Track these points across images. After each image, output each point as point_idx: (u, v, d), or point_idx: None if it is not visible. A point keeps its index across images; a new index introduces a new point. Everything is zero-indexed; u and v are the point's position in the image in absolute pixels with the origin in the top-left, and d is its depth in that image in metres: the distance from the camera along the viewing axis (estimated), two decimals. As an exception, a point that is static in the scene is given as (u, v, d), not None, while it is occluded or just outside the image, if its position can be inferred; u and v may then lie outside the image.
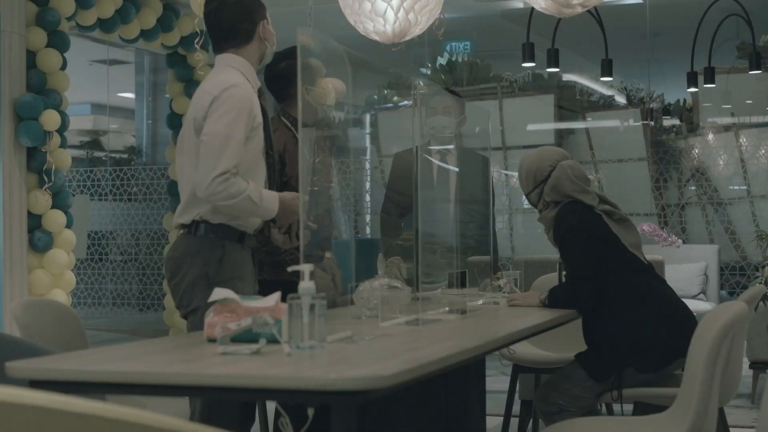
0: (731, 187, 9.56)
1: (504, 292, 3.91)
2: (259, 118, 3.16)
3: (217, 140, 2.99)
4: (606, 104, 10.45)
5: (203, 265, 3.07)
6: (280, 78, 3.79)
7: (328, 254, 3.58)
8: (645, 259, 3.68)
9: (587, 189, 3.72)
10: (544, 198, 3.77)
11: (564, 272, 3.82)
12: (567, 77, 10.57)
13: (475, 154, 4.70)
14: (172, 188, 7.58)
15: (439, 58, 10.84)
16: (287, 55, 3.71)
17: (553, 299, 3.61)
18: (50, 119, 5.79)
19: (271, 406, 3.32)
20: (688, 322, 3.49)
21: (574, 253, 3.60)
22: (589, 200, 3.67)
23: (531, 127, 10.51)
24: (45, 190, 5.87)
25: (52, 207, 5.96)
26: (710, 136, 9.84)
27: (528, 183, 3.82)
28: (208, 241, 3.08)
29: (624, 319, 3.48)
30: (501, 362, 5.23)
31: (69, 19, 6.13)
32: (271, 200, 3.11)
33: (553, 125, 10.33)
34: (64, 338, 3.04)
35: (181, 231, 3.17)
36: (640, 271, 3.61)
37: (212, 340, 2.39)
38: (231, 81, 3.10)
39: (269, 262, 3.60)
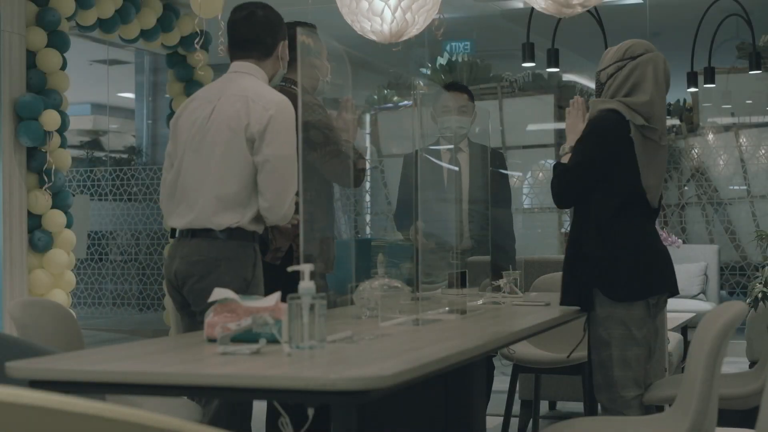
0: (731, 187, 9.56)
1: (504, 293, 3.91)
2: None
3: (289, 164, 3.09)
4: (606, 104, 10.44)
5: (242, 268, 3.13)
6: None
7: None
8: (656, 202, 3.52)
9: (654, 96, 3.50)
10: (615, 77, 3.51)
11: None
12: (567, 77, 10.58)
13: (494, 152, 4.68)
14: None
15: (439, 58, 10.84)
16: (293, 24, 3.72)
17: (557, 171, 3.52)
18: (50, 119, 5.80)
19: (262, 407, 3.32)
20: (666, 264, 3.49)
21: (584, 151, 3.44)
22: (634, 114, 3.44)
23: (531, 127, 10.52)
24: (45, 190, 5.88)
25: (52, 207, 5.96)
26: (710, 136, 9.84)
27: (615, 54, 3.54)
28: (244, 247, 3.14)
29: (602, 243, 3.42)
30: (501, 362, 5.23)
31: (69, 19, 6.14)
32: None
33: (553, 125, 10.33)
34: (60, 338, 3.04)
35: (192, 232, 3.16)
36: (639, 214, 3.48)
37: (212, 340, 2.39)
38: (280, 98, 3.17)
39: None
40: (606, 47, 7.70)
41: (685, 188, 9.64)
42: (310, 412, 2.04)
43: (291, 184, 3.11)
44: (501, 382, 4.80)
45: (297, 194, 3.28)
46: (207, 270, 3.12)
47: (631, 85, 3.47)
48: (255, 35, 3.29)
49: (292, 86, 3.63)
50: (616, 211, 3.43)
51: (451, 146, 4.56)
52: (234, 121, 3.11)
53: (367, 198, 10.50)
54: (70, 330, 3.15)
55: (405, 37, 4.32)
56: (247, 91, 3.15)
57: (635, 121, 3.42)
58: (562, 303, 3.54)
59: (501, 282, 3.95)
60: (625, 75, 3.48)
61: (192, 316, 3.17)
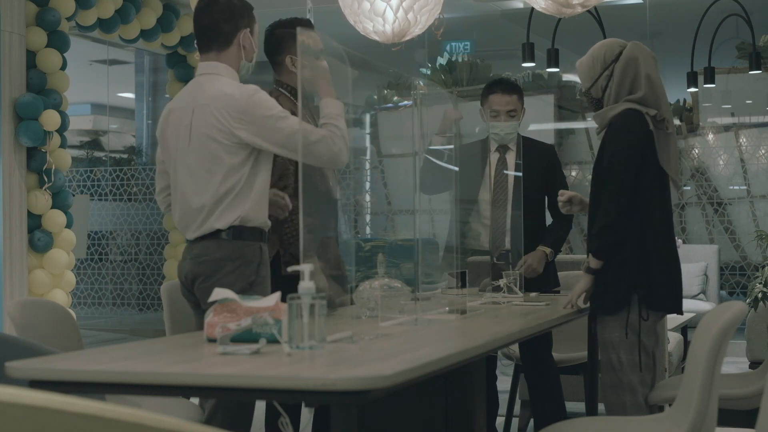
0: (731, 187, 9.56)
1: (504, 293, 3.91)
2: None
3: (295, 131, 3.02)
4: (606, 104, 10.44)
5: (246, 268, 3.11)
6: (271, 43, 3.75)
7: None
8: (678, 189, 3.54)
9: (657, 77, 3.47)
10: (609, 87, 3.47)
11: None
12: (567, 77, 10.57)
13: (545, 147, 4.63)
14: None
15: (439, 58, 10.84)
16: (284, 24, 3.71)
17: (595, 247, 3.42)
18: (50, 119, 5.80)
19: (260, 408, 3.32)
20: (679, 279, 3.48)
21: (611, 187, 3.36)
22: (647, 108, 3.42)
23: (531, 127, 10.50)
24: (45, 190, 5.87)
25: (52, 207, 5.96)
26: (710, 136, 9.84)
27: (594, 67, 3.51)
28: (249, 246, 3.12)
29: (640, 252, 3.38)
30: (501, 362, 5.23)
31: (69, 19, 6.14)
32: (335, 103, 3.21)
33: (553, 125, 10.33)
34: (59, 338, 3.05)
35: (203, 235, 3.15)
36: (664, 213, 3.48)
37: (212, 340, 2.39)
38: (245, 86, 3.13)
39: None
40: (606, 47, 7.70)
41: (685, 188, 9.64)
42: (310, 412, 2.04)
43: (311, 133, 3.04)
44: (502, 382, 4.80)
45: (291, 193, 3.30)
46: (212, 270, 3.12)
47: (629, 85, 3.46)
48: (212, 22, 3.20)
49: (281, 89, 3.64)
50: (655, 211, 3.42)
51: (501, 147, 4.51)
52: (213, 130, 3.08)
53: (367, 198, 10.50)
54: (69, 330, 3.15)
55: (407, 38, 4.33)
56: (238, 91, 3.10)
57: (650, 113, 3.41)
58: (593, 310, 3.51)
59: (501, 282, 3.94)
60: (618, 79, 3.46)
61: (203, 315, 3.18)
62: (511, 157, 4.47)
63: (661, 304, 3.40)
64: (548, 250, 4.33)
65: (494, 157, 4.49)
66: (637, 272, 3.36)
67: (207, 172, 3.11)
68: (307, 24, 3.72)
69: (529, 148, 4.46)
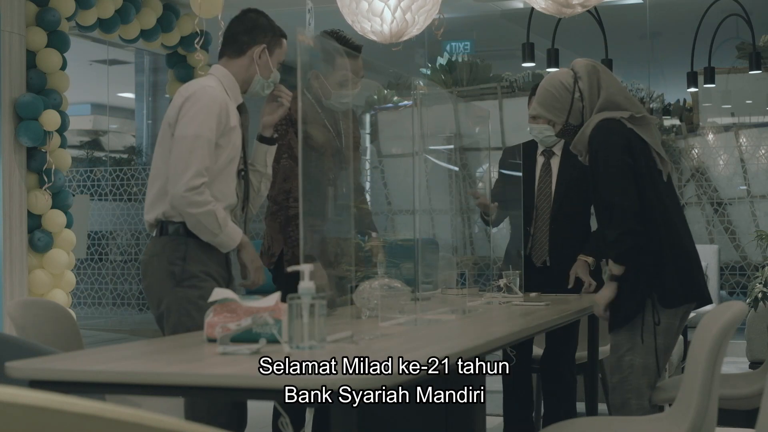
0: (731, 187, 9.56)
1: (504, 293, 3.91)
2: (232, 122, 3.19)
3: (186, 142, 3.05)
4: (606, 104, 10.44)
5: (168, 263, 3.11)
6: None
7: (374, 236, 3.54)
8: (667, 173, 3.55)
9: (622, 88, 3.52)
10: (584, 105, 3.49)
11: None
12: (567, 77, 10.56)
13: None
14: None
15: (439, 58, 10.84)
16: (330, 34, 3.73)
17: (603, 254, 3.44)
18: (50, 119, 5.79)
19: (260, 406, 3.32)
20: (694, 268, 3.47)
21: (616, 192, 3.34)
22: (623, 108, 3.45)
23: (531, 127, 10.51)
24: (45, 190, 5.87)
25: (52, 207, 5.96)
26: (710, 136, 9.84)
27: (560, 98, 3.52)
28: (171, 240, 3.13)
29: (652, 249, 3.38)
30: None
31: (69, 19, 6.13)
32: (235, 232, 3.16)
33: (553, 125, 10.32)
34: (59, 338, 3.05)
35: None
36: (670, 204, 3.48)
37: (212, 340, 2.39)
38: (202, 83, 3.18)
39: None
40: (606, 47, 7.72)
41: (685, 188, 9.64)
42: (311, 412, 2.04)
43: (185, 163, 3.02)
44: (496, 382, 4.79)
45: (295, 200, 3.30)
46: (144, 269, 3.21)
47: (596, 95, 3.50)
48: (232, 33, 3.29)
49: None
50: (656, 208, 3.41)
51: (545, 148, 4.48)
52: (168, 119, 3.16)
53: (368, 198, 10.50)
54: (69, 330, 3.15)
55: (405, 38, 4.32)
56: (186, 89, 3.18)
57: (624, 116, 3.43)
58: (611, 329, 3.48)
59: (501, 282, 3.94)
60: (588, 93, 3.50)
61: (158, 319, 3.22)
62: (555, 163, 4.41)
63: (678, 299, 3.40)
64: (590, 259, 4.25)
65: (539, 161, 4.45)
66: (653, 273, 3.37)
67: (161, 160, 3.19)
68: (338, 35, 3.73)
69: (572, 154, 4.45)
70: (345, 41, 3.72)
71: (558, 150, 4.40)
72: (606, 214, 3.41)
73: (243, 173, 3.33)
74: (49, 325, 3.09)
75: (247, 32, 3.25)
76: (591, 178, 3.51)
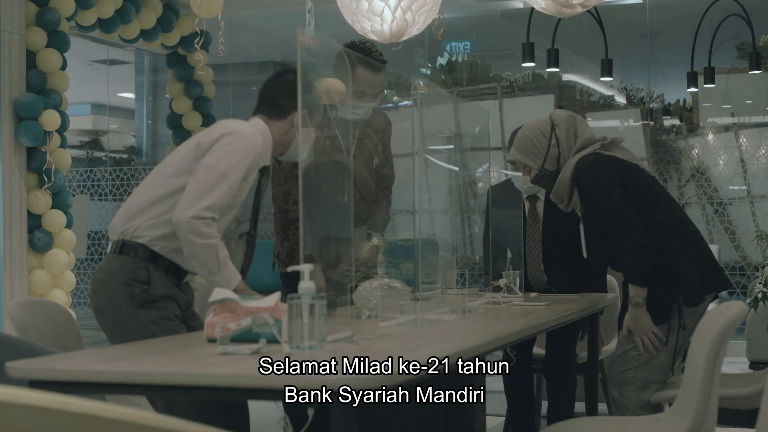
0: (731, 187, 9.56)
1: (504, 293, 3.91)
2: (255, 174, 3.14)
3: (214, 174, 2.96)
4: (606, 104, 10.45)
5: (126, 285, 3.01)
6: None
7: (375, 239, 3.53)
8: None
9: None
10: (561, 151, 3.58)
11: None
12: (567, 77, 10.58)
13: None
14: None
15: (439, 58, 10.84)
16: (353, 46, 3.72)
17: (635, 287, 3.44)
18: (50, 119, 5.79)
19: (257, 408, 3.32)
20: (712, 258, 3.54)
21: (618, 220, 3.39)
22: (594, 142, 3.55)
23: (531, 127, 10.50)
24: (45, 190, 5.87)
25: (52, 207, 5.96)
26: (710, 136, 9.84)
27: (537, 144, 3.61)
28: (130, 261, 3.04)
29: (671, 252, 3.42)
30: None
31: (69, 19, 6.14)
32: (233, 276, 3.03)
33: (553, 125, 10.32)
34: (59, 338, 3.04)
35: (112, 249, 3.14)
36: (671, 206, 3.55)
37: (212, 340, 2.39)
38: (248, 128, 3.10)
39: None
40: (606, 47, 7.72)
41: (685, 188, 9.64)
42: (310, 412, 2.04)
43: (208, 193, 2.94)
44: (496, 382, 4.79)
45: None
46: (97, 288, 3.16)
47: (573, 140, 3.59)
48: (271, 95, 3.21)
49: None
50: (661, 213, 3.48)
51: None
52: (200, 143, 3.08)
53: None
54: (69, 330, 3.15)
55: (405, 37, 4.32)
56: (231, 125, 3.10)
57: (596, 147, 3.55)
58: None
59: (501, 282, 3.94)
60: (565, 140, 3.59)
61: (107, 332, 3.14)
62: (540, 208, 4.40)
63: (700, 296, 3.47)
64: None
65: (525, 206, 4.44)
66: (676, 280, 3.42)
67: (161, 174, 3.14)
68: (366, 49, 3.72)
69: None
70: (370, 53, 3.70)
71: (542, 194, 4.37)
72: (617, 244, 3.46)
73: (248, 238, 3.26)
74: (49, 326, 3.08)
75: (288, 96, 3.13)
76: (588, 215, 3.58)
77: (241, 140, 3.03)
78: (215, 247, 2.94)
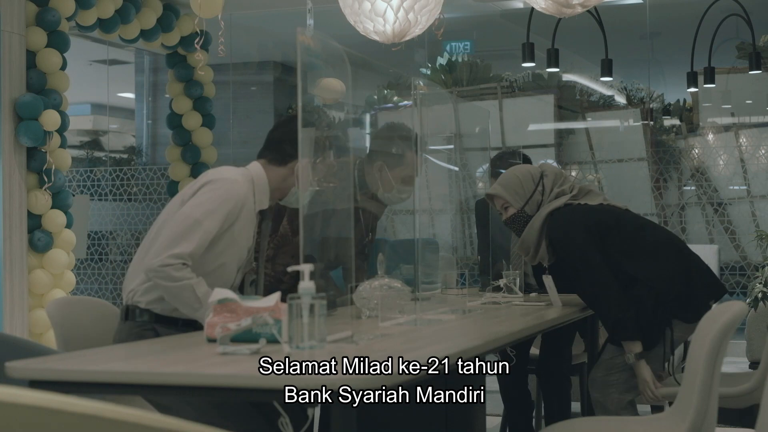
0: (731, 187, 9.56)
1: (504, 293, 3.91)
2: (241, 222, 3.07)
3: (187, 222, 2.95)
4: (606, 104, 10.45)
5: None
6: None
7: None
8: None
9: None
10: (543, 198, 3.67)
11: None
12: (567, 77, 10.57)
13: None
14: (172, 188, 7.59)
15: (439, 58, 10.83)
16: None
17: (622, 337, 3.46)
18: (50, 119, 5.79)
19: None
20: (703, 265, 3.57)
21: (591, 282, 3.47)
22: (564, 194, 3.66)
23: (531, 127, 10.51)
24: (45, 190, 5.87)
25: (52, 207, 5.96)
26: (710, 136, 9.84)
27: (524, 186, 3.69)
28: (137, 326, 3.02)
29: (656, 274, 3.46)
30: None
31: (69, 19, 6.13)
32: None
33: (553, 125, 10.32)
34: (102, 335, 3.07)
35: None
36: (645, 225, 3.62)
37: (212, 340, 2.39)
38: (231, 176, 3.07)
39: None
40: (606, 47, 7.72)
41: (685, 188, 9.64)
42: (310, 412, 2.04)
43: (179, 241, 2.92)
44: (493, 382, 4.79)
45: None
46: None
47: (556, 194, 3.66)
48: (277, 140, 3.20)
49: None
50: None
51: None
52: (183, 196, 3.08)
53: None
54: (111, 327, 3.15)
55: (408, 38, 4.32)
56: (214, 173, 3.09)
57: (566, 200, 3.63)
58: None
59: (501, 282, 3.94)
60: (549, 189, 3.66)
61: None
62: None
63: (701, 313, 3.45)
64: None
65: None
66: (675, 306, 3.46)
67: (155, 232, 3.13)
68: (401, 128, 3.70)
69: None
70: (405, 133, 3.65)
71: None
72: (593, 305, 3.55)
73: (252, 282, 3.25)
74: (94, 324, 3.10)
75: (293, 143, 3.02)
76: (558, 265, 3.66)
77: (221, 188, 3.01)
78: (191, 286, 2.91)
